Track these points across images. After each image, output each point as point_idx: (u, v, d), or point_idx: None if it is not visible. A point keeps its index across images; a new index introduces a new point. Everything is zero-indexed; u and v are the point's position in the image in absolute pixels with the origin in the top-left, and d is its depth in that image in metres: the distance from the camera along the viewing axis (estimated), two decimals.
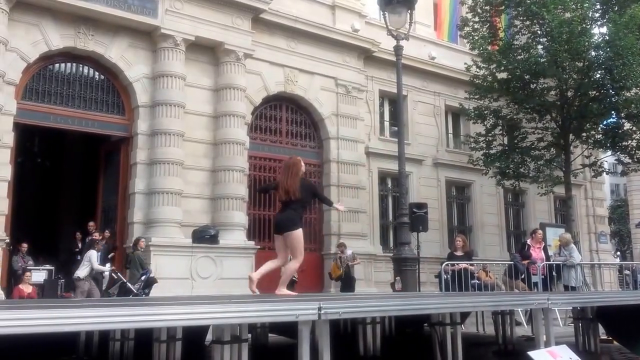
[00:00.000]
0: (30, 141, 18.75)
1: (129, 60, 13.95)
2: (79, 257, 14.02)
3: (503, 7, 17.14)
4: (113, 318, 3.47)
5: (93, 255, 11.89)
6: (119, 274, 12.35)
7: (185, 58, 14.31)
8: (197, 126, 14.48)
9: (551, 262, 12.25)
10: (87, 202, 16.23)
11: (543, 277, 11.98)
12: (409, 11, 12.59)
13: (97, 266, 11.95)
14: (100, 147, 15.39)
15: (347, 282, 14.42)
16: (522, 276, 11.98)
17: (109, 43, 13.71)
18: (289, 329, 6.06)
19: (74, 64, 13.74)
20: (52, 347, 6.18)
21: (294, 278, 13.53)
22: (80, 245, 14.27)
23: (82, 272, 11.80)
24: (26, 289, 11.50)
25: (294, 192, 6.59)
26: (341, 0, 17.65)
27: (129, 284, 11.84)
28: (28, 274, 11.85)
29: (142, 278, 11.91)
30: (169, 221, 13.44)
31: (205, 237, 13.54)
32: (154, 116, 13.90)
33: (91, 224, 14.23)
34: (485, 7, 17.18)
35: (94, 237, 12.43)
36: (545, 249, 12.73)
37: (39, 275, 12.65)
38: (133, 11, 13.64)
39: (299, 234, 6.57)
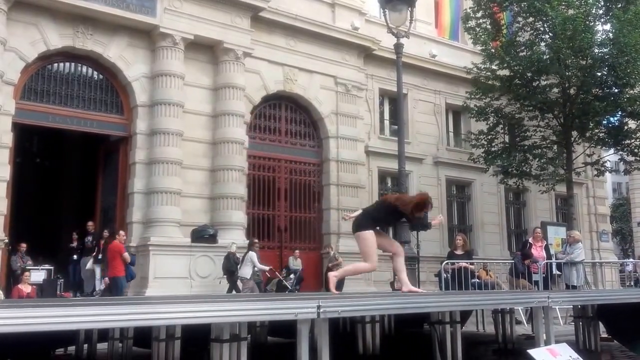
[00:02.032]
0: (29, 141, 18.76)
1: (127, 60, 13.92)
2: (75, 257, 14.05)
3: (506, 4, 17.07)
4: (112, 317, 3.48)
5: (254, 255, 13.17)
6: (276, 272, 13.75)
7: (184, 57, 14.27)
8: (196, 125, 14.45)
9: (551, 261, 12.23)
10: (86, 202, 16.20)
11: (544, 275, 11.98)
12: (410, 9, 12.53)
13: (259, 265, 13.26)
14: (99, 146, 15.37)
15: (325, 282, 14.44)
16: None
17: (107, 42, 13.67)
18: (288, 329, 6.03)
19: (73, 64, 13.71)
20: (49, 341, 6.18)
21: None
22: (76, 244, 14.25)
23: (246, 271, 13.00)
24: (25, 288, 11.49)
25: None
26: None
27: (284, 281, 13.31)
28: (27, 273, 11.85)
29: (292, 276, 13.50)
30: (168, 221, 13.41)
31: (204, 236, 13.52)
32: (153, 116, 13.87)
33: (90, 223, 14.26)
34: (489, 4, 17.12)
35: (253, 239, 13.88)
36: (546, 248, 12.71)
37: (38, 275, 12.66)
38: (132, 10, 13.61)
39: (367, 235, 6.57)
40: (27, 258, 13.06)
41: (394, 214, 6.78)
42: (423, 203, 6.61)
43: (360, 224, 6.62)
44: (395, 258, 6.87)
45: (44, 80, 13.29)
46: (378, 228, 6.72)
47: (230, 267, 13.16)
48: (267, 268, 13.69)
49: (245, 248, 14.13)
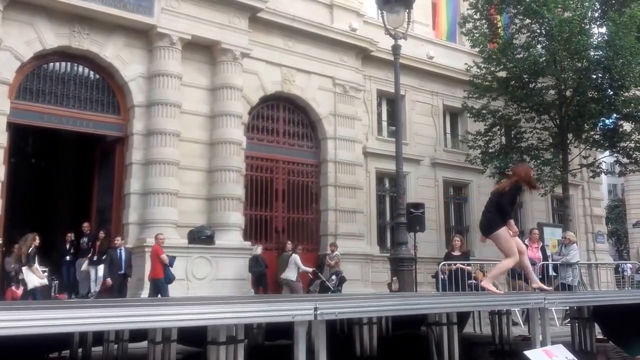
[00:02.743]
0: (24, 141, 18.62)
1: (124, 60, 13.85)
2: (68, 258, 13.97)
3: (503, 6, 17.11)
4: (107, 319, 3.48)
5: (297, 258, 13.82)
6: (319, 273, 14.21)
7: (182, 57, 14.21)
8: (193, 126, 14.39)
9: (547, 262, 12.24)
10: (81, 203, 16.10)
11: (540, 277, 11.98)
12: (407, 10, 12.58)
13: (303, 267, 13.85)
14: (95, 147, 15.27)
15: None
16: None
17: (104, 42, 13.60)
18: (285, 331, 6.01)
19: (69, 63, 13.61)
20: (43, 344, 6.13)
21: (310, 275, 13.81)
22: (68, 246, 14.17)
23: (292, 274, 13.60)
24: (19, 290, 11.35)
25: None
26: None
27: (327, 282, 13.74)
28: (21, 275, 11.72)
29: (334, 277, 13.90)
30: (165, 222, 13.34)
31: (201, 237, 13.47)
32: (149, 116, 13.80)
33: (86, 224, 14.17)
34: (486, 6, 17.14)
35: (297, 244, 14.57)
36: (542, 249, 12.71)
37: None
38: (129, 10, 13.53)
39: (501, 233, 6.78)
40: None
41: (511, 200, 6.93)
42: (523, 172, 6.93)
43: (491, 225, 6.82)
44: (520, 257, 7.06)
45: (40, 80, 13.19)
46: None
47: (258, 268, 13.71)
48: (310, 270, 14.23)
49: (241, 249, 14.13)
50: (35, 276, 11.24)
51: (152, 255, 11.81)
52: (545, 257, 12.47)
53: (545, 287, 7.32)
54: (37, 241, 11.44)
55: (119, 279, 12.39)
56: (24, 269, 11.26)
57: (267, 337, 7.81)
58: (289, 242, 14.62)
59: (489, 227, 6.85)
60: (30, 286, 11.22)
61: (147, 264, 12.73)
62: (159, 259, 11.80)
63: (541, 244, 13.02)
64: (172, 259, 12.13)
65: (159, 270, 11.81)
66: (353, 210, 16.82)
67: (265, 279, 14.13)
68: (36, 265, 11.28)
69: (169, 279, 11.97)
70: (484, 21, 17.38)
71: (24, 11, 12.69)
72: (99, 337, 6.62)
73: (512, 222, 7.34)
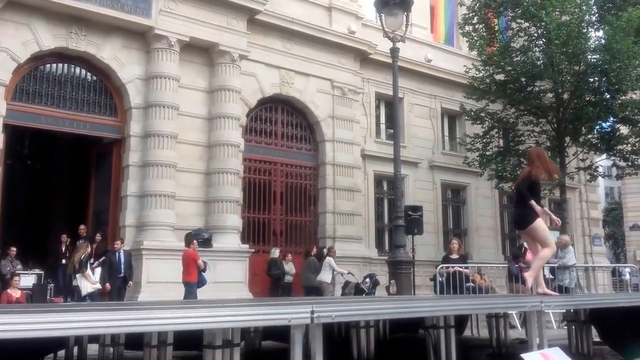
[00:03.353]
0: (20, 143, 18.58)
1: (122, 61, 13.80)
2: (64, 261, 13.89)
3: (501, 9, 17.13)
4: (103, 322, 3.47)
5: (332, 261, 14.05)
6: (354, 275, 14.53)
7: (180, 59, 14.17)
8: (191, 128, 14.35)
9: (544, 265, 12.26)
10: (78, 205, 16.03)
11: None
12: (405, 13, 12.59)
13: (338, 269, 14.16)
14: (91, 149, 15.20)
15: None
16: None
17: (101, 43, 13.55)
18: (282, 334, 5.98)
19: (66, 65, 13.54)
20: (38, 346, 6.09)
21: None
22: (64, 249, 14.09)
23: (326, 276, 13.87)
24: (14, 293, 11.28)
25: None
26: (337, 2, 17.59)
27: (361, 285, 13.82)
28: (16, 278, 11.62)
29: (367, 279, 14.03)
30: (162, 224, 13.28)
31: (198, 240, 13.40)
32: (147, 118, 13.75)
33: (82, 227, 14.07)
34: (484, 9, 17.16)
35: (331, 247, 14.78)
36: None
37: (27, 279, 12.42)
38: (126, 11, 13.48)
39: (537, 225, 6.69)
40: (16, 262, 12.85)
41: (535, 190, 6.84)
42: (540, 156, 6.90)
43: (525, 219, 6.72)
44: (535, 260, 7.01)
45: (36, 81, 13.12)
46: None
47: (276, 271, 14.15)
48: (345, 272, 14.46)
49: (239, 252, 14.10)
50: (88, 282, 11.65)
51: (186, 259, 12.02)
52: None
53: (550, 292, 7.23)
54: (89, 249, 11.96)
55: (118, 282, 12.32)
56: (77, 275, 11.76)
57: (265, 337, 7.79)
58: (332, 247, 15.03)
59: (524, 221, 6.77)
60: (84, 292, 11.64)
61: (144, 267, 12.71)
62: (196, 264, 12.04)
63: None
64: (205, 264, 12.41)
65: (194, 275, 12.03)
66: (351, 213, 16.79)
67: (282, 282, 14.35)
68: (88, 271, 11.71)
69: (203, 283, 12.23)
70: (482, 24, 17.39)
71: (21, 12, 12.61)
72: (95, 337, 6.58)
73: (551, 214, 7.43)
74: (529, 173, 6.89)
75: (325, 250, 14.67)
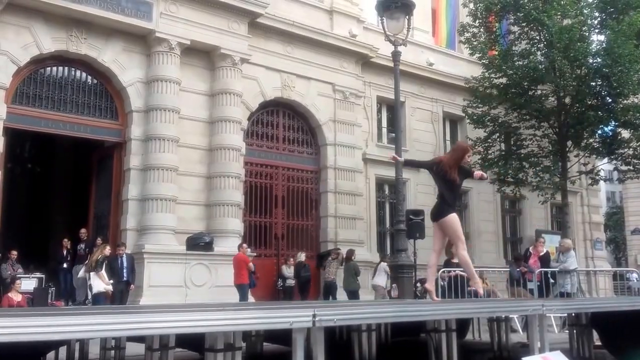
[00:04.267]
0: (21, 146, 18.58)
1: (122, 64, 13.78)
2: (65, 265, 13.89)
3: (502, 13, 17.13)
4: (104, 326, 3.45)
5: (386, 266, 14.27)
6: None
7: (181, 62, 14.15)
8: (192, 132, 14.33)
9: (545, 269, 12.27)
10: (78, 209, 16.02)
11: (538, 283, 12.02)
12: (407, 17, 12.61)
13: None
14: (92, 152, 15.20)
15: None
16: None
17: (102, 46, 13.54)
18: (284, 337, 5.96)
19: (66, 68, 13.52)
20: (39, 346, 6.07)
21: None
22: (65, 253, 14.09)
23: (381, 280, 14.24)
24: (16, 297, 11.28)
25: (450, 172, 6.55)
26: (339, 6, 17.60)
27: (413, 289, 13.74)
28: (17, 282, 11.63)
29: (418, 284, 13.84)
30: (163, 228, 13.25)
31: (199, 244, 13.39)
32: (148, 121, 13.73)
33: (83, 230, 14.08)
34: (484, 13, 17.17)
35: (384, 253, 15.33)
36: (542, 258, 12.74)
37: (28, 283, 12.41)
38: (127, 14, 13.48)
39: (452, 218, 6.59)
40: (17, 266, 12.83)
41: (452, 183, 6.64)
42: (461, 149, 6.77)
43: (442, 210, 6.63)
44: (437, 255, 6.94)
45: (37, 85, 13.10)
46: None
47: (305, 274, 14.63)
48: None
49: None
50: (101, 282, 11.75)
51: (237, 263, 12.89)
52: (545, 265, 12.47)
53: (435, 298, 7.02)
54: (108, 250, 12.08)
55: (121, 286, 12.29)
56: (91, 274, 11.90)
57: (267, 341, 7.76)
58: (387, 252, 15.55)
59: (439, 212, 6.67)
60: (94, 290, 11.77)
61: (145, 271, 12.68)
62: (247, 266, 12.98)
63: (544, 251, 13.04)
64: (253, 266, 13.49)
65: (245, 277, 12.91)
66: (353, 217, 16.75)
67: (309, 285, 14.73)
68: (103, 271, 11.79)
69: (253, 284, 13.25)
70: (482, 29, 17.40)
71: (21, 15, 12.60)
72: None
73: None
74: (445, 169, 6.64)
75: (354, 256, 15.12)
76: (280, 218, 16.05)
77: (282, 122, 16.60)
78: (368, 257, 16.77)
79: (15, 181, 16.78)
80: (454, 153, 6.79)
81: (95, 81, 13.86)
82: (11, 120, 12.58)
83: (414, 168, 8.99)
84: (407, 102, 18.72)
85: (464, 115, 18.40)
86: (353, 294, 14.23)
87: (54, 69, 13.42)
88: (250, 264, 13.12)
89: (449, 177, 6.51)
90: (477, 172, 6.93)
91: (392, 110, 16.69)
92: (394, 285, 11.81)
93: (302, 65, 16.46)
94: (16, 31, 12.56)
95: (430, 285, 6.85)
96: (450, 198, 6.68)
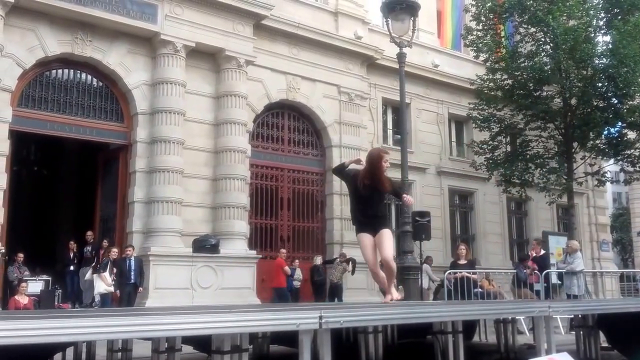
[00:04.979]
0: (27, 149, 18.65)
1: (128, 67, 13.81)
2: (71, 267, 13.93)
3: (507, 15, 17.10)
4: (111, 328, 3.45)
5: (429, 268, 14.79)
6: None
7: (186, 64, 14.17)
8: (197, 134, 14.34)
9: (552, 270, 12.26)
10: (85, 211, 16.05)
11: (545, 285, 12.03)
12: (412, 18, 12.57)
13: (434, 277, 14.99)
14: (98, 155, 15.21)
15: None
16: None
17: (107, 49, 13.56)
18: (290, 338, 5.96)
19: (72, 70, 13.55)
20: (46, 348, 6.08)
21: None
22: (72, 255, 14.13)
23: (424, 282, 14.34)
24: (22, 300, 11.29)
25: (382, 184, 6.18)
26: (344, 7, 17.60)
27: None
28: (24, 284, 11.66)
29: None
30: (169, 230, 13.25)
31: (205, 246, 13.38)
32: (153, 124, 13.74)
33: (89, 233, 14.10)
34: (489, 15, 17.14)
35: (429, 256, 15.51)
36: (539, 259, 12.82)
37: (35, 285, 12.42)
38: (132, 17, 13.50)
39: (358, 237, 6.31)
40: (24, 268, 12.87)
41: (367, 197, 6.23)
42: (374, 157, 6.29)
43: (384, 221, 6.34)
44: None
45: (42, 87, 13.12)
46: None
47: (318, 277, 14.86)
48: (438, 280, 15.02)
49: (246, 258, 14.04)
50: (102, 283, 12.06)
51: (275, 267, 14.05)
52: (543, 266, 12.42)
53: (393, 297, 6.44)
54: (114, 252, 12.39)
55: (129, 288, 12.31)
56: (94, 275, 12.34)
57: (273, 343, 7.76)
58: (429, 255, 15.70)
59: (383, 222, 6.29)
60: (96, 291, 12.14)
61: (151, 273, 12.69)
62: (283, 270, 13.93)
63: (541, 253, 13.01)
64: (293, 270, 14.43)
65: (282, 280, 13.91)
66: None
67: (324, 288, 14.87)
68: (106, 273, 12.09)
69: (291, 287, 14.16)
70: (487, 31, 17.36)
71: (26, 17, 12.62)
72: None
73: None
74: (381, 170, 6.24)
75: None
76: (286, 220, 16.04)
77: (288, 124, 16.59)
78: None
79: (21, 184, 16.84)
80: (368, 164, 6.33)
81: (100, 84, 13.89)
82: (17, 123, 12.60)
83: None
84: (412, 103, 18.70)
85: (469, 117, 18.36)
86: None
87: (60, 71, 13.44)
88: (286, 268, 13.89)
89: (363, 191, 6.18)
90: (406, 198, 6.65)
91: (398, 112, 16.70)
92: (400, 287, 11.77)
93: (308, 67, 16.46)
94: (22, 34, 12.60)
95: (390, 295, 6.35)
96: (365, 212, 6.25)
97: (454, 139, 20.42)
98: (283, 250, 14.65)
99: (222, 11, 14.61)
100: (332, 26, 17.23)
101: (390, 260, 6.20)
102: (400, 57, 12.53)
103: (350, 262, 15.01)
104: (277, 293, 13.78)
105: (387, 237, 6.20)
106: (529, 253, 13.29)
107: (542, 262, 12.65)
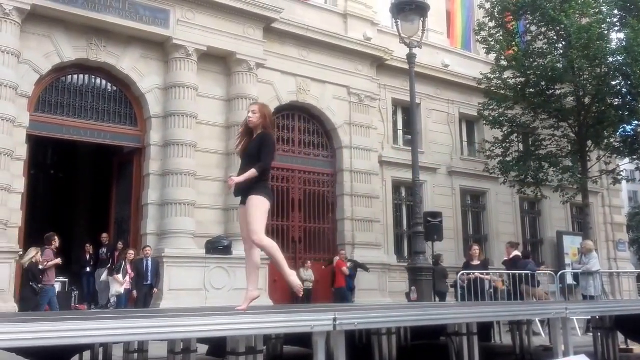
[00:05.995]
0: (44, 153, 18.85)
1: (141, 71, 13.97)
2: (88, 269, 14.07)
3: (520, 13, 17.00)
4: (128, 330, 3.49)
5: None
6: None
7: (198, 68, 14.29)
8: (209, 136, 14.45)
9: (567, 271, 12.16)
10: (100, 214, 16.24)
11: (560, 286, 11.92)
12: (422, 19, 12.55)
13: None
14: (112, 158, 15.40)
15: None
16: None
17: (121, 54, 13.74)
18: (304, 339, 5.99)
19: (87, 76, 13.75)
20: (64, 350, 6.16)
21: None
22: (88, 257, 14.26)
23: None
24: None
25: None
26: (353, 9, 17.63)
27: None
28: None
29: None
30: (182, 232, 13.38)
31: (218, 248, 13.47)
32: (166, 127, 13.88)
33: (104, 235, 14.28)
34: (502, 13, 17.05)
35: (440, 254, 15.70)
36: (507, 262, 12.77)
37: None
38: (145, 22, 13.66)
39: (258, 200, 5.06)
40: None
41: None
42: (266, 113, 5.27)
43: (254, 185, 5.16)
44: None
45: (58, 93, 13.33)
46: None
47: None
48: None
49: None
50: (116, 284, 12.61)
51: (336, 269, 14.89)
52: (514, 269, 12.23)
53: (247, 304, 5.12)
54: (130, 254, 12.79)
55: (145, 289, 12.45)
56: (109, 277, 12.90)
57: (287, 344, 7.79)
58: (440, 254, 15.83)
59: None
60: (112, 292, 12.64)
61: (165, 275, 12.81)
62: (341, 271, 14.67)
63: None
64: (351, 271, 14.92)
65: (342, 281, 14.66)
66: (370, 220, 16.73)
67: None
68: (119, 275, 12.57)
69: (350, 287, 14.82)
70: (499, 29, 17.28)
71: (42, 24, 12.85)
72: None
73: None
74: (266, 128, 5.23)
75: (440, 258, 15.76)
76: (297, 221, 16.09)
77: (298, 126, 16.65)
78: (385, 259, 16.73)
79: (38, 187, 17.02)
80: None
81: (114, 88, 14.06)
82: (34, 128, 12.81)
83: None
84: (422, 104, 18.66)
85: (480, 116, 18.28)
86: (442, 296, 14.68)
87: (75, 77, 13.65)
88: (344, 269, 14.60)
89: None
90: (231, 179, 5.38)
91: (408, 113, 16.68)
92: (412, 288, 11.75)
93: (317, 69, 16.51)
94: (38, 40, 12.81)
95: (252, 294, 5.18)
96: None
97: (465, 138, 20.36)
98: (343, 252, 15.24)
99: (233, 15, 14.71)
100: (341, 28, 17.26)
101: (260, 240, 4.97)
102: (410, 57, 12.52)
103: (357, 266, 15.21)
104: (339, 293, 14.54)
105: (253, 206, 5.09)
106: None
107: (513, 266, 12.41)
